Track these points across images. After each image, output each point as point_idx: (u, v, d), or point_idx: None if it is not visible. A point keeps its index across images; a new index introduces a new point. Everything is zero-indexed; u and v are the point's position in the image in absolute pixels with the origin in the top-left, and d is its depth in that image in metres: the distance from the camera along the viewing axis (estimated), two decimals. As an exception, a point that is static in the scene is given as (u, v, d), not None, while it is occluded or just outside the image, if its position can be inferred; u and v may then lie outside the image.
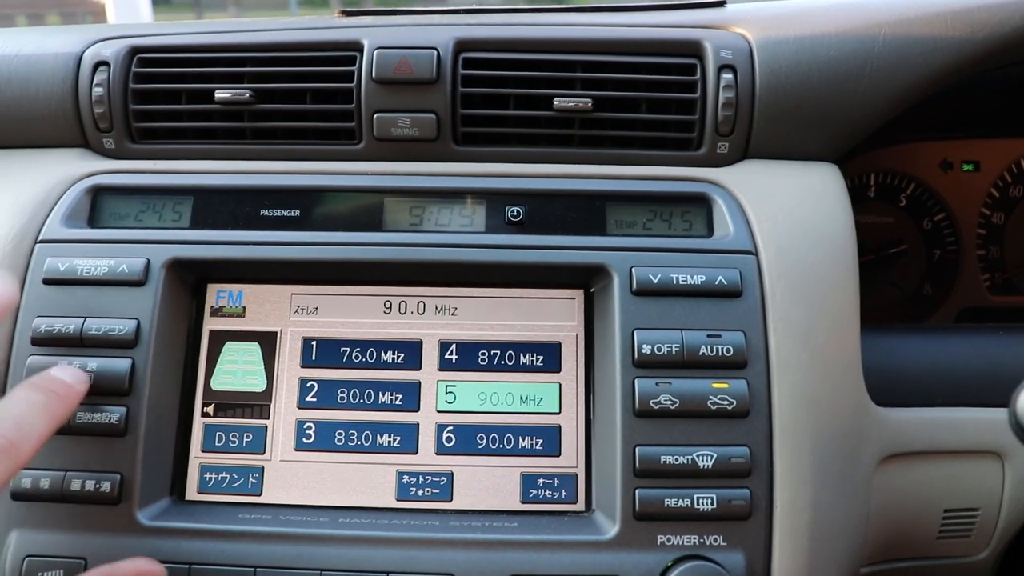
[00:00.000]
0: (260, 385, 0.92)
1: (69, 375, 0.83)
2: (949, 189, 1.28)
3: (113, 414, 0.86)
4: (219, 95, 0.99)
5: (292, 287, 0.94)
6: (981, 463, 0.97)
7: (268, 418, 0.91)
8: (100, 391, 0.87)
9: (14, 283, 0.83)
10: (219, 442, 0.90)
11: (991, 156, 1.28)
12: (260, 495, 0.89)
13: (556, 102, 0.97)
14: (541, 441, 0.89)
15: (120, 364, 0.87)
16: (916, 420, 0.95)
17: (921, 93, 0.98)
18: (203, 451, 0.90)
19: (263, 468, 0.89)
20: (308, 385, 0.91)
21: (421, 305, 0.93)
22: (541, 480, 0.88)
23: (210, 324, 0.93)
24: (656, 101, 0.99)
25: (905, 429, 0.94)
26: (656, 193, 0.96)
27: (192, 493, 0.89)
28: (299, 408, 0.91)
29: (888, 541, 0.97)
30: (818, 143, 1.00)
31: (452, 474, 0.88)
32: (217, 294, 0.94)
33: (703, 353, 0.86)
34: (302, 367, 0.92)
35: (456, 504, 0.88)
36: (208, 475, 0.90)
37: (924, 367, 0.98)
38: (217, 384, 0.92)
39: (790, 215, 0.94)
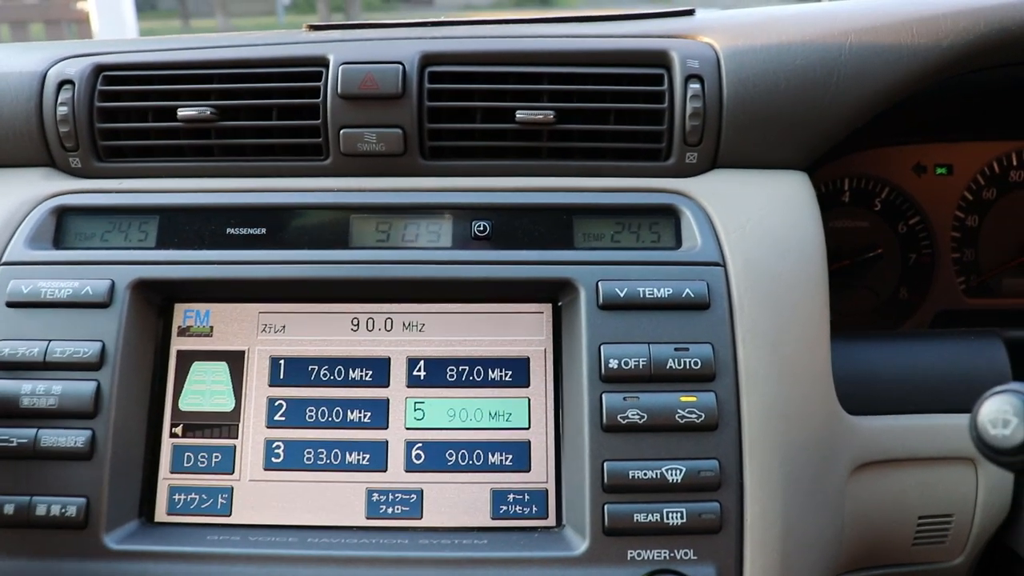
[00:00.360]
0: (228, 405, 0.91)
1: None
2: (923, 193, 1.28)
3: (79, 437, 0.86)
4: (182, 112, 0.98)
5: (259, 305, 0.93)
6: (954, 469, 0.96)
7: (237, 438, 0.90)
8: (65, 414, 0.86)
9: None
10: (188, 463, 0.90)
11: (964, 159, 1.28)
12: (230, 515, 0.88)
13: (519, 115, 0.96)
14: (511, 457, 0.89)
15: (85, 387, 0.87)
16: (888, 428, 0.95)
17: (888, 100, 0.98)
18: (172, 472, 0.90)
19: (232, 488, 0.89)
20: (276, 404, 0.91)
21: (388, 322, 0.92)
22: (511, 496, 0.88)
23: (177, 344, 0.93)
24: (624, 112, 0.98)
25: (878, 437, 0.94)
26: (624, 205, 0.96)
27: (161, 515, 0.89)
28: (268, 427, 0.90)
29: (863, 549, 0.97)
30: (786, 151, 1.00)
31: (422, 491, 0.88)
32: (184, 314, 0.94)
33: (671, 367, 0.86)
34: (270, 386, 0.91)
35: (426, 521, 0.87)
36: (177, 496, 0.89)
37: (895, 374, 0.97)
38: (185, 404, 0.91)
39: (758, 225, 0.94)
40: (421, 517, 0.87)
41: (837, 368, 0.92)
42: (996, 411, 0.63)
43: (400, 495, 0.88)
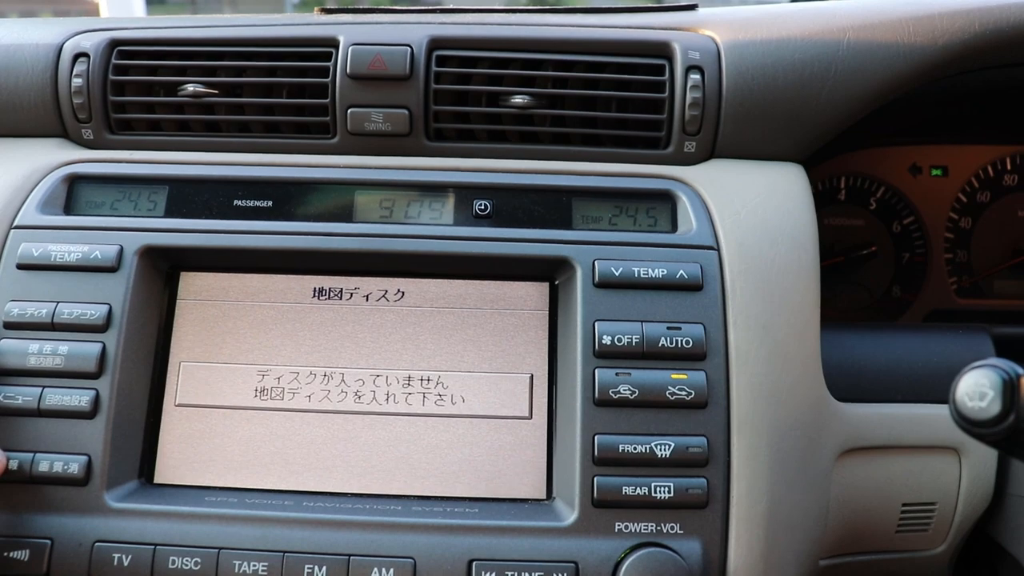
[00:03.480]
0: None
1: None
2: (918, 193, 1.30)
3: (83, 397, 0.88)
4: (190, 88, 1.01)
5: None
6: (939, 458, 0.98)
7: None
8: (70, 374, 0.88)
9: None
10: (187, 426, 0.92)
11: (959, 162, 1.30)
12: (228, 478, 0.90)
13: (522, 100, 0.99)
14: (505, 429, 0.90)
15: (90, 348, 0.89)
16: (875, 415, 0.97)
17: (884, 97, 1.00)
18: (175, 435, 0.91)
19: (231, 451, 0.91)
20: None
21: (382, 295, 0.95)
22: (506, 468, 0.89)
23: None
24: (625, 100, 1.01)
25: (864, 424, 0.96)
26: (622, 189, 0.98)
27: (161, 476, 0.91)
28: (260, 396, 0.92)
29: (847, 534, 0.99)
30: (783, 143, 1.02)
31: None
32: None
33: (663, 344, 0.88)
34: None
35: (420, 490, 0.89)
36: (177, 458, 0.91)
37: (884, 364, 0.99)
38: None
39: (753, 212, 0.96)
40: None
41: (826, 355, 0.95)
42: (973, 385, 0.65)
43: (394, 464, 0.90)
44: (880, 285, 1.31)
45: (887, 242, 1.31)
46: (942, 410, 0.97)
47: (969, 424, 0.66)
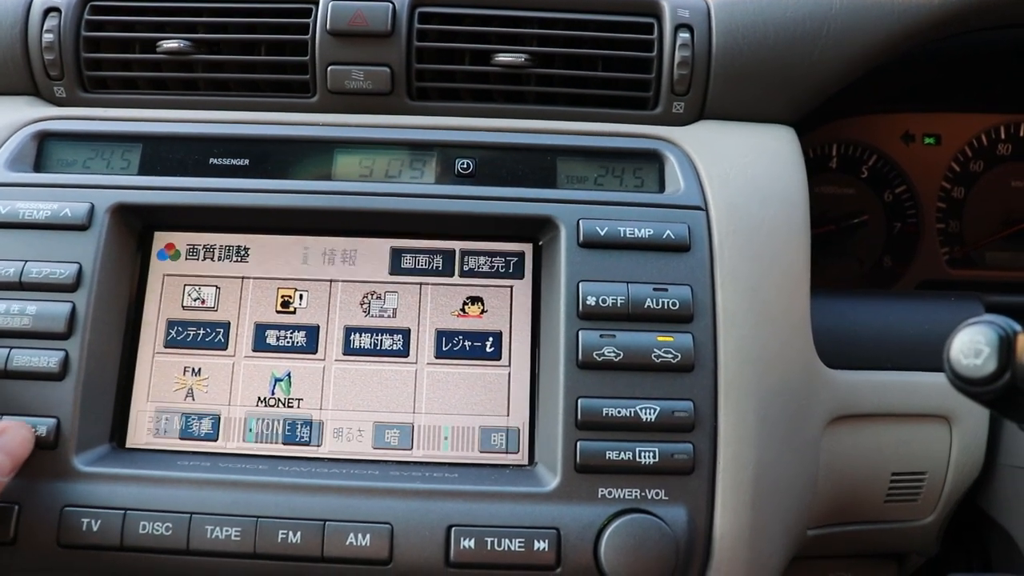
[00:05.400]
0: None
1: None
2: (910, 162, 1.28)
3: (51, 358, 0.85)
4: (166, 45, 0.98)
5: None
6: (929, 427, 0.97)
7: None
8: (38, 335, 0.86)
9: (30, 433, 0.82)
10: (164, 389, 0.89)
11: (953, 130, 1.28)
12: (208, 440, 0.88)
13: (506, 58, 0.96)
14: (490, 393, 0.88)
15: (59, 308, 0.86)
16: (865, 383, 0.95)
17: (878, 57, 0.98)
18: (148, 399, 0.89)
19: (219, 416, 0.88)
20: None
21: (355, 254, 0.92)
22: (492, 435, 0.87)
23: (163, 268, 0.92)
24: (612, 59, 0.98)
25: (854, 391, 0.94)
26: (607, 149, 0.95)
27: (133, 440, 0.88)
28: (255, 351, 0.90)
29: (836, 503, 0.97)
30: (774, 105, 0.99)
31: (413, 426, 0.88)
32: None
33: (648, 306, 0.85)
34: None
35: (409, 454, 0.87)
36: (150, 422, 0.88)
37: (875, 331, 0.97)
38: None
39: (742, 173, 0.93)
40: (411, 448, 0.88)
41: (817, 321, 0.92)
42: (969, 342, 0.63)
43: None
44: (871, 255, 1.29)
45: (879, 211, 1.29)
46: (933, 378, 0.96)
47: (963, 382, 0.64)
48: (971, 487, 1.00)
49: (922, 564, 1.11)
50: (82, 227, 0.89)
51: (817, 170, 1.28)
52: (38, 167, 0.96)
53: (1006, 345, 0.61)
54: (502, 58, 0.97)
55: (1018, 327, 0.61)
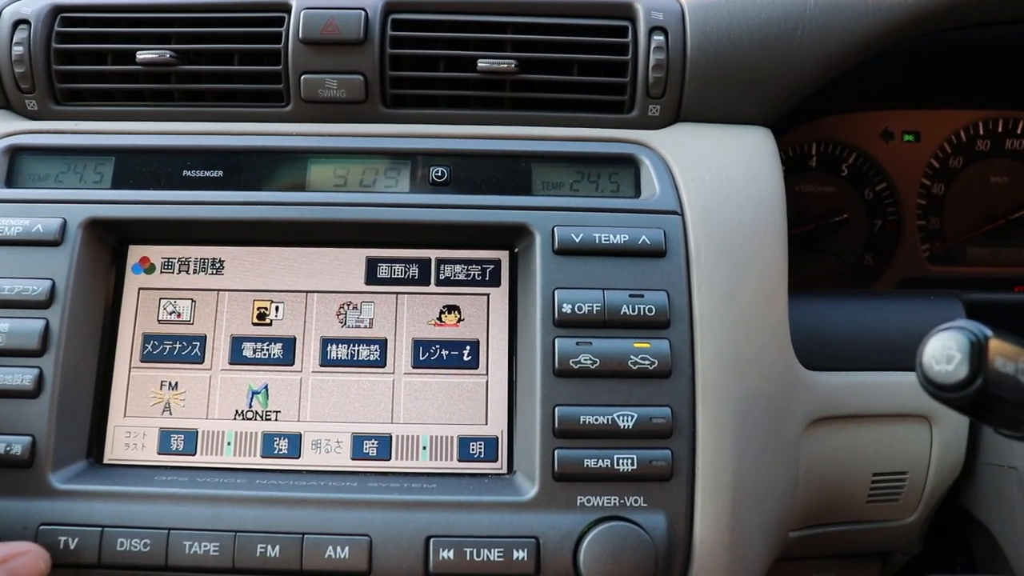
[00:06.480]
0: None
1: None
2: (890, 159, 1.28)
3: (25, 376, 0.84)
4: (141, 56, 0.97)
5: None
6: (910, 427, 0.97)
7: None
8: (11, 352, 0.85)
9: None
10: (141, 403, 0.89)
11: (932, 127, 1.28)
12: (184, 455, 0.87)
13: (482, 64, 0.95)
14: (468, 404, 0.88)
15: (32, 325, 0.85)
16: (845, 384, 0.95)
17: (853, 56, 0.98)
18: (124, 415, 0.89)
19: (196, 431, 0.88)
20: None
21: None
22: (471, 444, 0.87)
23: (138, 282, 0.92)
24: (587, 63, 0.98)
25: (834, 392, 0.94)
26: (583, 154, 0.95)
27: (110, 456, 0.88)
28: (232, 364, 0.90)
29: (817, 505, 0.97)
30: (750, 106, 0.99)
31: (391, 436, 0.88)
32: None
33: (625, 313, 0.85)
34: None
35: (388, 465, 0.87)
36: (127, 437, 0.88)
37: (854, 331, 0.97)
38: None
39: (717, 176, 0.93)
40: (390, 459, 0.87)
41: (795, 323, 0.92)
42: (940, 348, 0.63)
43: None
44: (852, 253, 1.29)
45: (859, 209, 1.29)
46: (913, 377, 0.94)
47: (936, 388, 0.63)
48: (952, 486, 1.00)
49: (905, 563, 1.11)
50: (55, 243, 0.88)
51: (796, 169, 1.28)
52: (9, 182, 0.95)
53: (977, 351, 0.61)
54: (485, 64, 0.96)
55: (989, 332, 0.61)
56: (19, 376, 0.84)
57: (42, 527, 0.81)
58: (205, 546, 0.80)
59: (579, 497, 0.82)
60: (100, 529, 0.81)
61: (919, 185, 1.28)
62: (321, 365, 0.89)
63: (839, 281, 1.28)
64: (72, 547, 0.80)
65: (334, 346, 0.90)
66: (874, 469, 0.97)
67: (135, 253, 0.93)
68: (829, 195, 1.28)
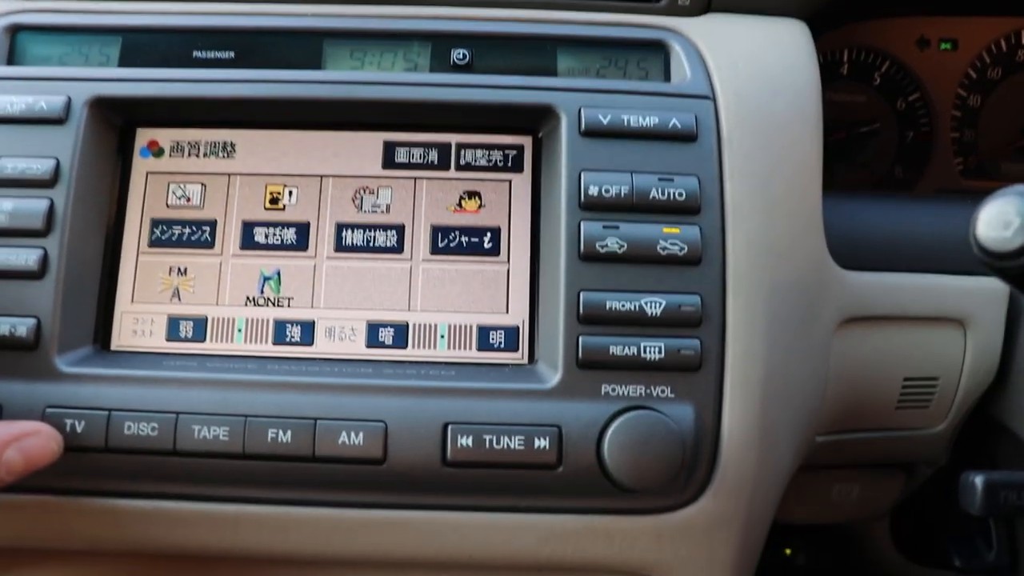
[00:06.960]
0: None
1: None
2: (925, 68, 1.23)
3: (29, 256, 0.81)
4: None
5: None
6: (943, 331, 0.93)
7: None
8: (15, 232, 0.82)
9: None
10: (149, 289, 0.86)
11: (970, 34, 1.23)
12: (194, 341, 0.84)
13: None
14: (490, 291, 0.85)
15: (37, 204, 0.82)
16: (879, 284, 0.91)
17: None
18: (132, 301, 0.86)
19: (207, 316, 0.85)
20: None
21: None
22: (491, 333, 0.84)
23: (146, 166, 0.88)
24: (616, -55, 0.93)
25: (867, 292, 0.91)
26: (611, 38, 0.91)
27: (117, 342, 0.85)
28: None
29: (846, 409, 0.94)
30: (785, -5, 0.95)
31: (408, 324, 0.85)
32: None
33: (654, 196, 0.81)
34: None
35: (404, 353, 0.84)
36: (135, 322, 0.85)
37: (889, 231, 0.94)
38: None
39: (751, 63, 0.89)
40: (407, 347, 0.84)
41: (829, 220, 0.89)
42: (997, 213, 0.59)
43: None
44: (882, 164, 1.24)
45: (891, 120, 1.24)
46: (949, 280, 0.92)
47: (989, 256, 0.60)
48: (984, 395, 0.96)
49: (930, 475, 1.09)
50: (59, 121, 0.85)
51: (827, 77, 1.22)
52: (11, 62, 0.91)
53: (1038, 217, 0.57)
54: None
55: None
56: (23, 256, 0.81)
57: (48, 409, 0.78)
58: (214, 431, 0.78)
59: (604, 386, 0.79)
60: (107, 412, 0.78)
61: (955, 96, 1.23)
62: (336, 251, 0.86)
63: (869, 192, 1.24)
64: (79, 430, 0.78)
65: (349, 231, 0.86)
66: (905, 373, 0.94)
67: (143, 136, 0.89)
68: (859, 105, 1.23)
